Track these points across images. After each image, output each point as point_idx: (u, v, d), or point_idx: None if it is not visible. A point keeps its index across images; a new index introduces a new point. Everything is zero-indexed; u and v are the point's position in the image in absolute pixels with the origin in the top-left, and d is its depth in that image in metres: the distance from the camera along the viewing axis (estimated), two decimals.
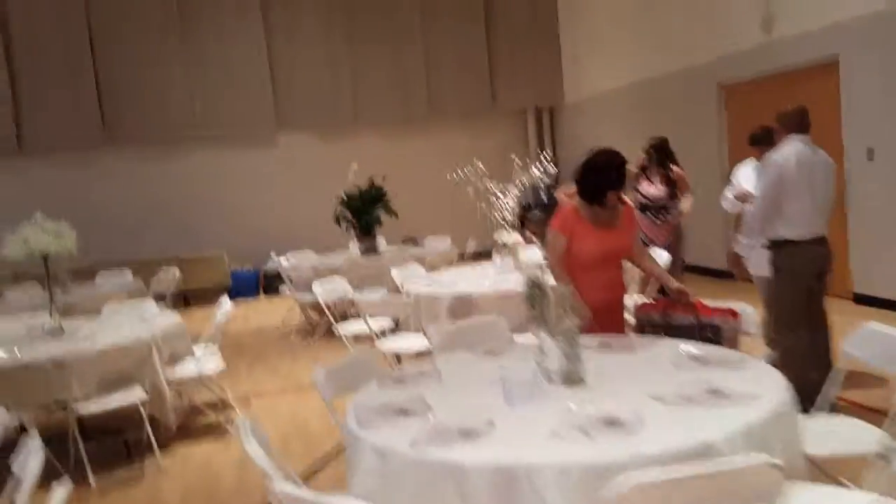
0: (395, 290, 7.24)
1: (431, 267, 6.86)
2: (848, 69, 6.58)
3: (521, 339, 3.78)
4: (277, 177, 11.97)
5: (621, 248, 3.57)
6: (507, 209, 5.51)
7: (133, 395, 4.27)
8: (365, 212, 8.12)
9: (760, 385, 2.37)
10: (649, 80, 9.85)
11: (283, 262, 8.39)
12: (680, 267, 5.77)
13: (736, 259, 4.32)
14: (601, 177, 3.43)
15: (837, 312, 4.48)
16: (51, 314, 4.77)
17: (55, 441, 4.06)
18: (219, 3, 11.44)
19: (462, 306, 4.80)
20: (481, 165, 5.79)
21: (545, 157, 5.51)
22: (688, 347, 2.88)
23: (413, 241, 10.16)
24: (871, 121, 6.32)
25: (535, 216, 6.51)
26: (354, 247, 8.54)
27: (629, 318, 3.82)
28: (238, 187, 11.83)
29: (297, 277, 7.94)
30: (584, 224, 3.47)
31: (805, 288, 4.04)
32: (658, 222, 5.83)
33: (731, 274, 4.55)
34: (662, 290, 3.70)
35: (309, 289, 7.69)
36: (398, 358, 5.24)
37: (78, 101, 10.86)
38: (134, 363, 4.34)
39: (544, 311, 2.64)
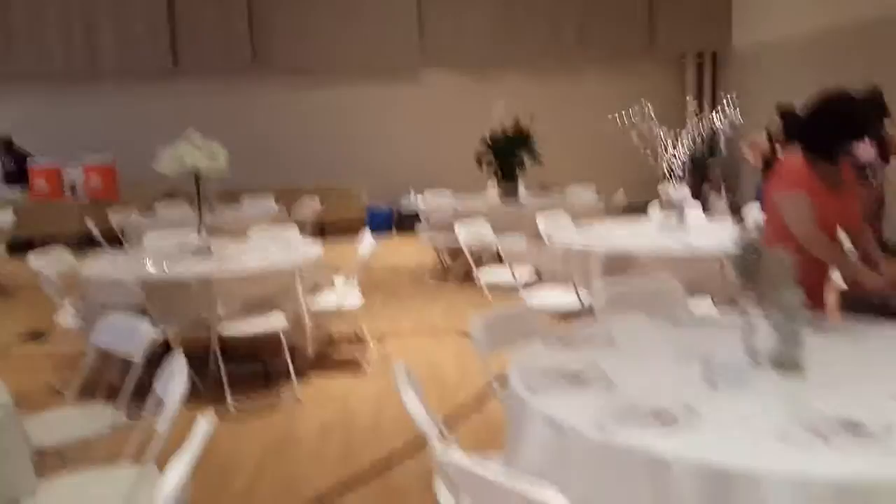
0: (537, 238, 6.91)
1: (577, 217, 6.41)
2: None
3: (695, 307, 3.34)
4: (418, 114, 11.77)
5: (854, 216, 3.00)
6: (677, 159, 4.97)
7: (275, 322, 4.20)
8: (509, 154, 7.75)
9: None
10: (840, 27, 8.67)
11: (421, 202, 8.19)
12: (878, 243, 5.04)
13: None
14: (842, 125, 2.85)
15: None
16: (199, 233, 4.78)
17: (196, 360, 4.05)
18: None
19: (619, 264, 4.38)
20: (650, 109, 5.24)
21: (728, 104, 4.88)
22: None
23: (549, 189, 9.68)
24: None
25: (714, 171, 5.88)
26: (494, 191, 8.21)
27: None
28: (379, 122, 11.74)
29: (434, 218, 7.73)
30: (818, 185, 2.89)
31: None
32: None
33: None
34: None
35: (446, 230, 7.51)
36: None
37: (230, 25, 11.03)
38: (277, 289, 4.26)
39: (759, 280, 2.19)
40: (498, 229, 6.25)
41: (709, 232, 4.89)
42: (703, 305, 3.87)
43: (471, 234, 5.80)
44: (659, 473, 1.67)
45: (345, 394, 4.42)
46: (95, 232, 7.23)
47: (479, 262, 6.16)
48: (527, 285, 4.97)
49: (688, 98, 11.62)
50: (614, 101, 11.46)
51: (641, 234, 4.93)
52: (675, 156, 4.86)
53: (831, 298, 3.16)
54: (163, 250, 4.87)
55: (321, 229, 10.18)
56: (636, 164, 11.74)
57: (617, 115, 5.66)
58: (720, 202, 5.65)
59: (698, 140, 4.88)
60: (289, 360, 4.28)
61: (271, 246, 4.94)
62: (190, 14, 10.97)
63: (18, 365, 5.25)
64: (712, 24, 11.59)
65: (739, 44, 11.36)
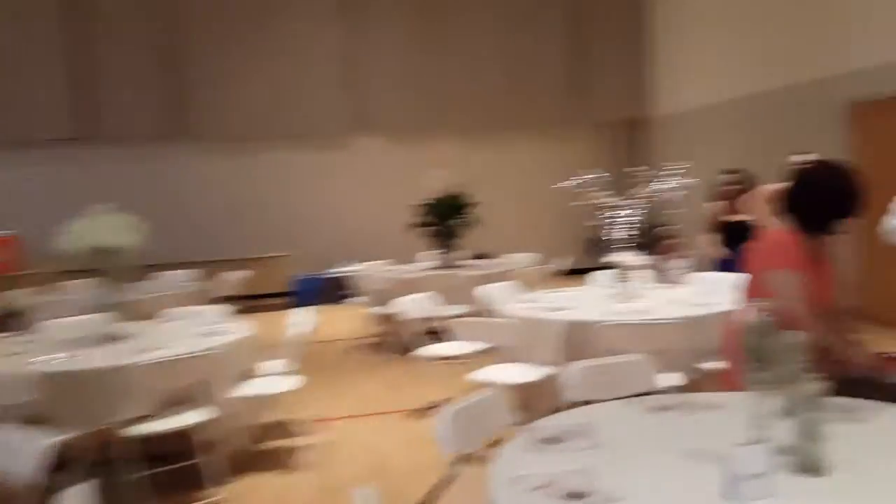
0: (480, 307, 6.60)
1: (522, 285, 6.14)
2: None
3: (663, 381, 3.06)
4: (350, 181, 11.49)
5: (832, 290, 2.80)
6: (624, 225, 4.78)
7: (194, 416, 3.68)
8: (446, 221, 7.49)
9: None
10: (755, 96, 8.98)
11: (354, 271, 7.80)
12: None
13: None
14: (843, 200, 2.64)
15: None
16: (107, 316, 4.24)
17: (110, 465, 3.50)
18: (299, 3, 11.03)
19: (579, 336, 4.09)
20: (594, 175, 5.08)
21: (674, 169, 4.75)
22: None
23: (485, 257, 9.46)
24: None
25: (669, 236, 5.73)
26: (432, 259, 7.92)
27: None
28: (309, 190, 11.39)
29: (370, 287, 7.33)
30: (806, 260, 2.69)
31: None
32: None
33: None
34: None
35: (381, 300, 7.12)
36: None
37: (153, 91, 10.56)
38: (199, 377, 3.74)
39: (774, 367, 1.90)
40: (438, 298, 5.92)
41: (663, 298, 4.68)
42: (672, 379, 3.60)
43: (411, 303, 5.44)
44: None
45: (279, 492, 3.90)
46: None
47: (421, 333, 5.79)
48: (475, 357, 4.62)
49: (616, 163, 11.85)
50: (548, 167, 11.57)
51: (596, 303, 4.68)
52: (619, 221, 4.65)
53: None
54: (64, 337, 4.30)
55: (248, 303, 9.63)
56: (574, 229, 11.80)
57: (554, 180, 5.43)
58: (671, 267, 5.47)
59: (642, 205, 4.69)
60: (213, 458, 3.75)
61: (192, 327, 4.44)
62: (113, 80, 10.43)
63: None
64: (636, 92, 11.93)
65: (662, 112, 11.66)
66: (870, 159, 6.65)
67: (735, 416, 2.25)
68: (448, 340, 5.01)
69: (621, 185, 5.50)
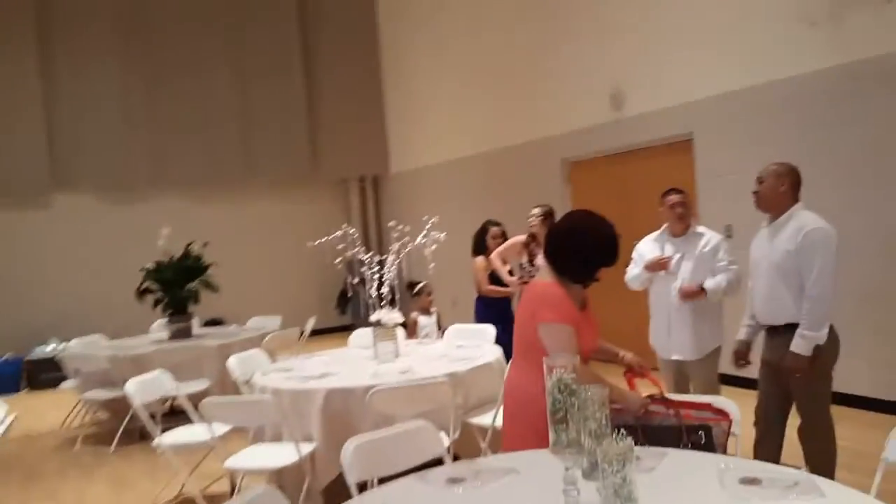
0: (223, 381, 5.98)
1: (270, 352, 5.67)
2: (702, 146, 6.65)
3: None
4: (55, 246, 10.01)
5: (596, 336, 2.83)
6: (378, 282, 4.61)
7: None
8: (177, 285, 6.73)
9: None
10: (486, 153, 9.60)
11: (65, 349, 6.68)
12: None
13: (747, 349, 3.80)
14: (598, 248, 2.67)
15: None
16: None
17: None
18: None
19: (342, 404, 3.78)
20: (344, 232, 4.88)
21: (426, 224, 4.70)
22: (729, 463, 2.17)
23: (219, 323, 8.77)
24: (727, 198, 6.36)
25: (424, 291, 5.62)
26: (162, 329, 7.07)
27: None
28: (2, 257, 9.70)
29: (86, 367, 6.26)
30: (576, 310, 2.67)
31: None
32: None
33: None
34: None
35: (101, 383, 6.13)
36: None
37: None
38: None
39: (580, 427, 1.79)
40: (174, 375, 5.21)
41: (423, 356, 4.57)
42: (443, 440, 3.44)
43: (141, 383, 4.67)
44: None
45: None
46: None
47: (156, 416, 5.04)
48: (225, 439, 4.07)
49: (352, 219, 11.88)
50: (292, 225, 11.25)
51: (356, 366, 4.41)
52: (373, 278, 4.50)
53: None
54: None
55: None
56: (323, 288, 11.50)
57: (300, 238, 5.15)
58: (427, 324, 5.43)
59: (395, 262, 4.59)
60: None
61: None
62: None
63: None
64: (371, 151, 12.14)
65: (397, 169, 11.99)
66: None
67: (534, 479, 2.12)
68: (191, 423, 4.38)
69: (373, 242, 5.37)
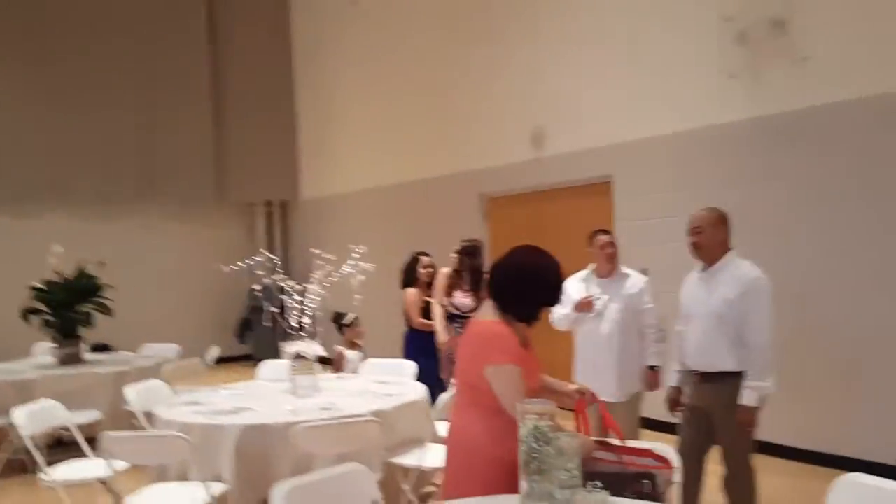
0: (114, 413, 5.53)
1: (171, 381, 5.27)
2: (622, 189, 6.78)
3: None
4: None
5: (539, 374, 2.73)
6: (294, 312, 4.39)
7: None
8: (69, 307, 6.21)
9: None
10: (404, 184, 9.49)
11: None
12: None
13: (679, 394, 3.77)
14: (545, 286, 2.58)
15: None
16: None
17: None
18: None
19: (259, 442, 3.52)
20: (251, 258, 4.63)
21: (352, 253, 4.52)
22: None
23: (107, 349, 8.12)
24: (644, 242, 6.47)
25: (345, 323, 5.33)
26: (46, 353, 6.49)
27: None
28: None
29: None
30: (522, 349, 2.54)
31: None
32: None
33: None
34: None
35: None
36: None
37: None
38: None
39: (554, 477, 1.68)
40: (62, 403, 4.73)
41: (344, 391, 4.35)
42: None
43: (30, 413, 4.18)
44: None
45: None
46: None
47: (43, 448, 4.54)
48: (124, 476, 3.70)
49: (256, 243, 11.46)
50: (196, 248, 10.74)
51: (271, 401, 4.14)
52: (287, 307, 4.30)
53: None
54: None
55: None
56: (225, 315, 10.96)
57: (204, 262, 4.85)
58: (354, 358, 5.20)
59: (313, 291, 4.39)
60: None
61: None
62: None
63: None
64: (280, 175, 11.81)
65: (308, 195, 11.69)
66: (501, 246, 7.33)
67: None
68: (81, 456, 3.97)
69: (285, 269, 5.14)
